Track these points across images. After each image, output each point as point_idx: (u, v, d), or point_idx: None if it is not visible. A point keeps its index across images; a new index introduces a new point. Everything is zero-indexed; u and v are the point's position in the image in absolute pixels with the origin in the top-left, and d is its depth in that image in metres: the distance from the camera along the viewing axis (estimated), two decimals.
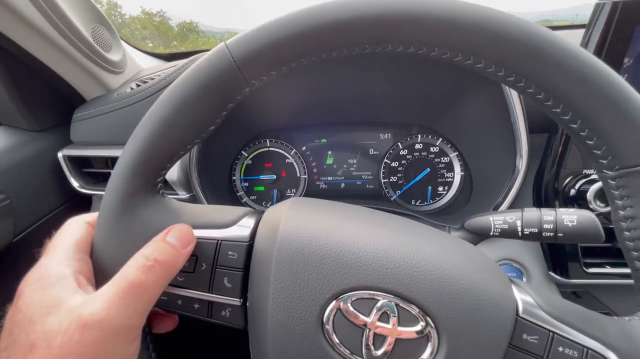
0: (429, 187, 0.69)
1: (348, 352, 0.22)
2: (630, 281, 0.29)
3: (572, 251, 0.49)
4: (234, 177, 0.72)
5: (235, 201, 0.72)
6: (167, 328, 0.29)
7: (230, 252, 0.25)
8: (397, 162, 0.70)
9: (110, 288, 0.21)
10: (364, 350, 0.22)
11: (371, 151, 0.71)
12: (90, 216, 0.27)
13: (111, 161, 0.64)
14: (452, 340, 0.21)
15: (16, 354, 0.19)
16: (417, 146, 0.69)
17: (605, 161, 0.22)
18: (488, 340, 0.21)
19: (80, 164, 0.67)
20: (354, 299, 0.22)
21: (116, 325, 0.20)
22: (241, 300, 0.25)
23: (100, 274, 0.24)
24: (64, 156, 0.65)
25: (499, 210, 0.52)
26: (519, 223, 0.31)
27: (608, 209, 0.45)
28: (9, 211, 0.58)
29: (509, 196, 0.51)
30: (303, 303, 0.22)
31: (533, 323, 0.22)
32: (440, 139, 0.68)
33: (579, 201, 0.47)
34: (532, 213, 0.31)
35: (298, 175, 0.72)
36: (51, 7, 0.52)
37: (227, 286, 0.25)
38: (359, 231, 0.24)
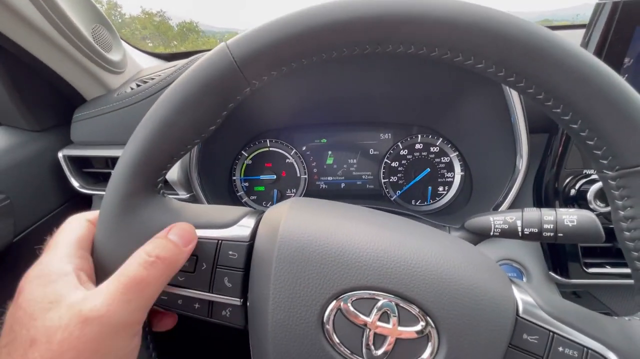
0: (429, 187, 0.69)
1: (348, 352, 0.22)
2: (630, 281, 0.29)
3: (572, 251, 0.49)
4: (234, 177, 0.72)
5: (236, 201, 0.72)
6: (166, 326, 0.29)
7: (230, 252, 0.25)
8: (397, 162, 0.70)
9: (111, 283, 0.21)
10: (364, 350, 0.22)
11: (371, 151, 0.71)
12: (91, 214, 0.27)
13: (111, 161, 0.64)
14: (452, 340, 0.21)
15: (17, 350, 0.19)
16: (418, 146, 0.69)
17: (605, 161, 0.22)
18: (488, 340, 0.21)
19: (80, 164, 0.67)
20: (354, 299, 0.22)
21: (117, 321, 0.20)
22: (241, 300, 0.25)
23: (101, 272, 0.24)
24: (64, 156, 0.65)
25: (499, 210, 0.52)
26: (519, 223, 0.31)
27: (608, 209, 0.45)
28: (9, 210, 0.58)
29: (509, 196, 0.51)
30: (303, 302, 0.22)
31: (533, 323, 0.22)
32: (441, 139, 0.68)
33: (579, 201, 0.47)
34: (532, 213, 0.31)
35: (298, 175, 0.72)
36: (51, 7, 0.52)
37: (228, 285, 0.25)
38: (359, 231, 0.24)
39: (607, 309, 0.56)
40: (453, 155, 0.67)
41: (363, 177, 0.72)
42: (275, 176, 0.71)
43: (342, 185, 0.72)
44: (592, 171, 0.48)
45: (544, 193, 0.51)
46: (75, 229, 0.25)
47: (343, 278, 0.22)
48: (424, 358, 0.21)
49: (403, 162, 0.69)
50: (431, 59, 0.22)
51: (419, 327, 0.21)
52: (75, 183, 0.65)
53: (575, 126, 0.22)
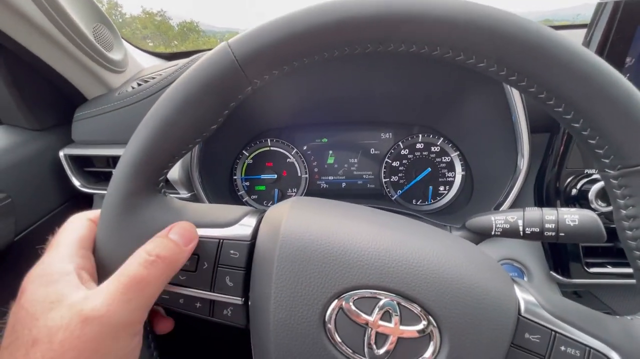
0: (430, 187, 0.68)
1: (350, 351, 0.22)
2: (632, 281, 0.29)
3: (573, 251, 0.49)
4: (235, 177, 0.72)
5: (236, 201, 0.72)
6: (163, 330, 0.29)
7: (232, 251, 0.25)
8: (398, 162, 0.70)
9: (112, 283, 0.21)
10: (366, 349, 0.22)
11: (372, 151, 0.71)
12: (93, 213, 0.27)
13: (112, 160, 0.65)
14: (454, 339, 0.21)
15: (18, 350, 0.19)
16: (418, 146, 0.69)
17: (607, 160, 0.22)
18: (490, 339, 0.21)
19: (81, 163, 0.67)
20: (356, 298, 0.22)
21: (117, 320, 0.20)
22: (243, 299, 0.25)
23: (102, 271, 0.24)
24: (65, 155, 0.65)
25: (501, 209, 0.51)
26: (520, 223, 0.31)
27: (610, 208, 0.45)
28: (10, 209, 0.58)
29: (511, 195, 0.51)
30: (305, 302, 0.22)
31: (535, 322, 0.22)
32: (442, 138, 0.68)
33: (581, 201, 0.47)
34: (533, 213, 0.31)
35: (299, 174, 0.72)
36: (52, 6, 0.52)
37: (229, 285, 0.25)
38: (360, 230, 0.24)
39: (608, 309, 0.56)
40: (454, 154, 0.67)
41: (364, 176, 0.72)
42: (276, 176, 0.71)
43: (343, 184, 0.72)
44: (593, 171, 0.47)
45: (545, 193, 0.51)
46: (76, 228, 0.25)
47: (345, 277, 0.22)
48: (426, 357, 0.21)
49: (404, 161, 0.69)
50: (433, 58, 0.22)
51: (420, 326, 0.21)
52: (76, 182, 0.65)
53: (577, 125, 0.22)
